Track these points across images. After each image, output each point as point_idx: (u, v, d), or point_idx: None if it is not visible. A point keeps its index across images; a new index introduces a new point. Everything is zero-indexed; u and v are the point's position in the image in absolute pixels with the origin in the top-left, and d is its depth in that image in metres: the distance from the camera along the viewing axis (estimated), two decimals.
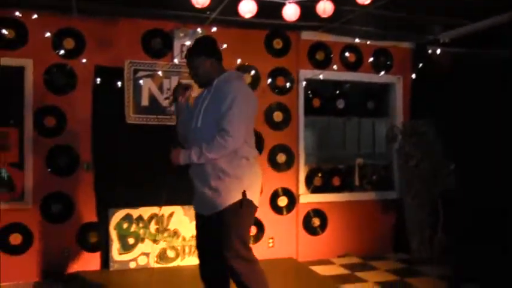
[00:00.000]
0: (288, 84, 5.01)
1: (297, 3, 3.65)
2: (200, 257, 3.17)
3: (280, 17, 3.87)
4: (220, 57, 3.13)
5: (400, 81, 5.42)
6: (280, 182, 4.99)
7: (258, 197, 3.06)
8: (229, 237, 2.90)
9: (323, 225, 5.11)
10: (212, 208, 2.94)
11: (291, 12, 3.69)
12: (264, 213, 4.90)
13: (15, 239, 4.30)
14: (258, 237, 4.89)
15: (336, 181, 5.28)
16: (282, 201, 5.00)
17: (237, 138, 2.86)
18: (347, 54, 5.20)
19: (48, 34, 4.35)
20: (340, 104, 5.34)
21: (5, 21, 4.25)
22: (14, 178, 4.31)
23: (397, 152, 5.30)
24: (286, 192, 5.01)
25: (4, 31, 4.23)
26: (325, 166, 5.32)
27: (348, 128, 5.65)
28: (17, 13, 4.25)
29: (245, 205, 2.94)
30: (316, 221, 5.08)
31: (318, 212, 5.09)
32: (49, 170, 4.34)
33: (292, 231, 5.02)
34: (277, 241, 4.97)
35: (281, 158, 5.00)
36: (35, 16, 4.29)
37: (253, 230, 4.87)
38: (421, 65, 5.31)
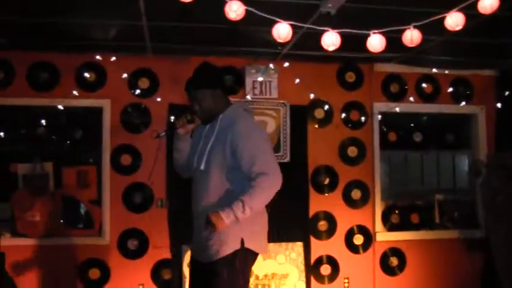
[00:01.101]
0: (362, 118, 5.02)
1: (381, 33, 3.60)
2: None
3: (353, 49, 3.91)
4: (225, 88, 3.01)
5: (482, 111, 5.26)
6: (356, 219, 4.95)
7: (261, 241, 2.90)
8: None
9: (401, 265, 4.99)
10: (206, 256, 2.79)
11: (376, 43, 3.63)
12: (338, 251, 4.89)
13: (94, 273, 4.56)
14: (332, 277, 4.86)
15: (415, 218, 5.16)
16: (358, 239, 4.96)
17: (278, 174, 2.76)
18: (423, 85, 5.13)
19: (125, 75, 4.66)
20: (418, 137, 5.25)
21: (87, 65, 4.59)
22: (92, 214, 4.62)
23: (481, 187, 5.15)
24: (362, 229, 4.96)
25: (86, 74, 4.58)
26: (403, 202, 5.20)
27: (426, 162, 5.54)
28: (97, 56, 4.59)
29: (241, 256, 2.77)
30: (394, 261, 4.99)
31: (395, 251, 4.99)
32: (125, 207, 4.61)
33: (368, 271, 4.94)
34: (352, 281, 4.90)
35: (356, 194, 4.99)
36: (113, 58, 4.62)
37: (327, 269, 4.89)
38: (507, 93, 5.17)
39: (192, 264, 3.02)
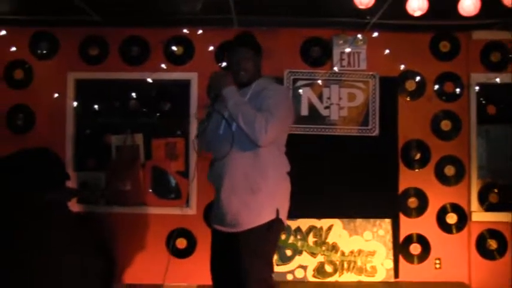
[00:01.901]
0: (457, 90, 4.81)
1: None
2: (215, 283, 2.97)
3: (447, 16, 3.77)
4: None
5: None
6: (449, 197, 4.77)
7: (287, 213, 2.91)
8: (256, 265, 2.71)
9: (502, 249, 4.72)
10: (237, 225, 2.77)
11: (469, 5, 3.48)
12: (430, 230, 4.74)
13: (181, 243, 4.79)
14: (423, 257, 4.73)
15: None
16: (451, 218, 4.77)
17: (270, 133, 2.68)
18: None
19: (211, 48, 4.82)
20: None
21: (175, 39, 4.78)
22: (180, 185, 4.84)
23: None
24: (456, 208, 4.77)
25: (174, 48, 4.78)
26: (503, 181, 4.93)
27: None
28: (185, 30, 4.77)
29: (276, 226, 2.77)
30: (492, 244, 4.74)
31: (494, 233, 4.73)
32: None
33: (463, 252, 4.74)
34: (444, 262, 4.74)
35: (449, 170, 4.80)
36: (200, 32, 4.77)
37: (417, 249, 4.79)
38: None
39: (215, 236, 2.97)
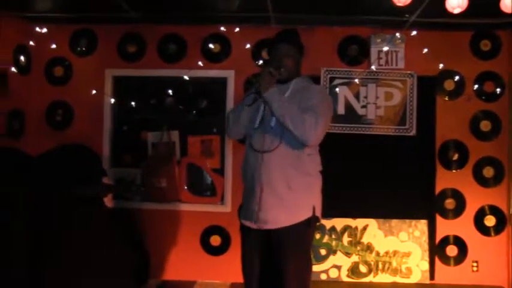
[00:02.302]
0: (497, 90, 4.76)
1: None
2: (248, 282, 2.93)
3: (489, 14, 3.73)
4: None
5: None
6: (487, 199, 4.73)
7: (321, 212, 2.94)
8: (296, 263, 2.73)
9: None
10: (273, 222, 2.77)
11: (510, 1, 3.44)
12: (467, 232, 4.71)
13: (215, 240, 4.86)
14: (459, 259, 4.71)
15: None
16: (489, 220, 4.74)
17: (320, 132, 2.75)
18: None
19: (248, 46, 4.86)
20: None
21: (212, 36, 4.84)
22: (215, 183, 4.91)
23: None
24: (495, 210, 4.73)
25: (211, 45, 4.84)
26: None
27: None
28: (222, 28, 4.82)
29: (313, 223, 2.80)
30: None
31: None
32: None
33: (501, 255, 4.70)
34: (482, 265, 4.71)
35: (488, 172, 4.76)
36: (237, 29, 4.82)
37: (454, 251, 4.76)
38: None
39: (247, 233, 2.95)
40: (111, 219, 3.90)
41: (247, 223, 2.91)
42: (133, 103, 4.98)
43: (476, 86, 4.78)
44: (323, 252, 4.71)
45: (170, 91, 4.98)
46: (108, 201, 3.93)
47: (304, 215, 2.82)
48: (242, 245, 3.01)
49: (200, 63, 4.84)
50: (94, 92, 4.90)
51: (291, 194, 2.80)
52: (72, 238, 3.29)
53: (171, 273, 4.84)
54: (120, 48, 4.91)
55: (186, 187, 4.85)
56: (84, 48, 4.92)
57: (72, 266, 3.22)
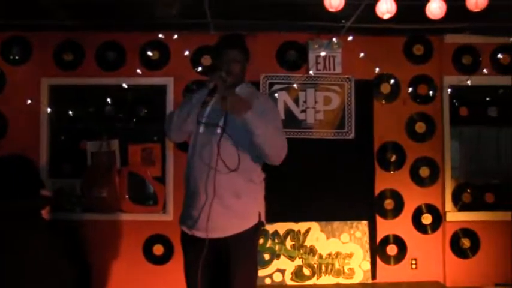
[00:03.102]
0: (430, 93, 4.99)
1: None
2: None
3: (421, 20, 3.93)
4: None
5: None
6: (424, 198, 4.95)
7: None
8: (246, 270, 2.82)
9: (475, 248, 4.93)
10: (221, 230, 2.79)
11: (435, 8, 3.62)
12: (406, 231, 4.92)
13: (158, 249, 4.85)
14: (399, 258, 4.90)
15: (489, 198, 5.07)
16: (426, 219, 4.95)
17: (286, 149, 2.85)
18: (500, 55, 5.01)
19: (187, 53, 4.92)
20: (492, 112, 5.14)
21: (151, 43, 4.87)
22: (157, 191, 4.91)
23: None
24: (431, 209, 4.95)
25: (149, 53, 4.86)
26: (476, 181, 5.14)
27: (503, 139, 5.40)
28: (160, 35, 4.85)
29: (259, 229, 2.90)
30: (466, 242, 4.94)
31: (468, 232, 4.94)
32: None
33: (438, 252, 4.93)
34: (421, 262, 4.92)
35: (424, 172, 4.98)
36: (176, 36, 4.86)
37: (394, 250, 4.95)
38: None
39: (192, 243, 2.89)
40: (50, 231, 3.84)
41: (194, 232, 2.86)
42: (71, 112, 4.96)
43: (410, 89, 5.00)
44: (267, 256, 4.80)
45: (109, 99, 4.98)
46: (46, 213, 3.88)
47: (251, 221, 2.88)
48: (185, 255, 2.97)
49: (139, 70, 4.86)
50: (29, 101, 4.83)
51: (239, 202, 2.83)
52: (7, 252, 3.24)
53: (114, 284, 4.82)
54: (56, 57, 4.88)
55: (127, 196, 4.84)
56: (17, 57, 4.85)
57: (8, 280, 3.17)
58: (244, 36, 3.17)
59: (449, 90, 5.02)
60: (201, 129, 2.86)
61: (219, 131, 2.77)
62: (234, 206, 2.81)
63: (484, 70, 5.01)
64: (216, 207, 2.76)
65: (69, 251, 4.58)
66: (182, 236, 3.01)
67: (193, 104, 2.79)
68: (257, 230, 2.91)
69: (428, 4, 3.66)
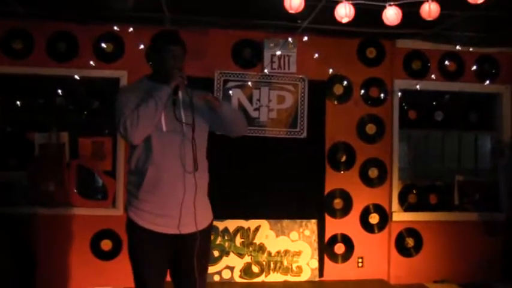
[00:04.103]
0: (382, 95, 5.19)
1: (397, 5, 3.74)
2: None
3: (374, 24, 4.05)
4: None
5: (508, 91, 5.38)
6: (372, 198, 5.16)
7: None
8: (205, 265, 3.02)
9: (418, 246, 5.18)
10: (191, 226, 2.87)
11: (391, 14, 3.75)
12: (353, 230, 5.11)
13: (106, 244, 4.84)
14: (346, 256, 5.09)
15: (433, 199, 5.33)
16: (373, 218, 5.16)
17: None
18: (447, 62, 5.27)
19: (142, 46, 4.89)
20: (439, 116, 5.40)
21: (105, 36, 4.84)
22: (107, 186, 4.89)
23: (504, 169, 5.32)
24: (378, 209, 5.16)
25: (103, 45, 4.84)
26: (421, 182, 5.39)
27: (448, 142, 5.67)
28: (115, 27, 4.83)
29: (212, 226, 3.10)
30: (410, 242, 5.18)
31: (412, 232, 5.18)
32: None
33: (383, 251, 5.16)
34: (367, 261, 5.13)
35: (373, 172, 5.17)
36: (131, 29, 4.85)
37: (341, 248, 5.12)
38: None
39: (158, 240, 2.88)
40: None
41: (163, 229, 2.86)
42: (19, 103, 4.86)
43: (362, 91, 5.17)
44: (216, 253, 4.87)
45: (60, 91, 4.92)
46: None
47: (210, 217, 3.05)
48: (143, 250, 2.90)
49: (92, 62, 4.82)
50: None
51: (204, 198, 2.98)
52: None
53: (61, 282, 4.77)
54: (5, 45, 4.77)
55: (76, 190, 4.79)
56: None
57: None
58: (178, 31, 3.12)
59: (399, 93, 5.22)
60: (164, 128, 2.87)
61: (185, 129, 2.86)
62: (202, 202, 2.95)
63: (432, 76, 5.25)
64: (189, 204, 2.83)
65: (13, 247, 4.53)
66: (136, 230, 2.92)
67: (158, 101, 2.78)
68: (212, 227, 3.08)
69: (385, 10, 3.79)
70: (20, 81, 4.89)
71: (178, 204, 2.84)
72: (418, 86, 5.18)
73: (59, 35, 4.81)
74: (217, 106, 2.90)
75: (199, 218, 2.89)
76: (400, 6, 3.69)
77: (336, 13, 3.83)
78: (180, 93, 2.86)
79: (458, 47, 5.23)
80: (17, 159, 4.90)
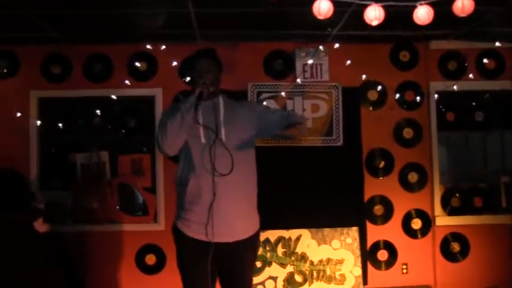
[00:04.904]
0: (417, 99, 5.13)
1: (429, 4, 3.69)
2: None
3: (407, 27, 4.01)
4: None
5: None
6: (413, 203, 5.09)
7: None
8: (251, 273, 3.12)
9: (464, 251, 5.07)
10: (234, 235, 2.98)
11: (423, 14, 3.71)
12: (396, 236, 5.06)
13: (150, 259, 4.96)
14: (390, 263, 5.04)
15: (478, 202, 5.20)
16: (416, 223, 5.09)
17: None
18: (485, 60, 5.16)
19: (175, 63, 5.01)
20: (479, 116, 5.28)
21: (138, 54, 4.99)
22: (147, 201, 5.01)
23: None
24: (420, 214, 5.09)
25: (137, 64, 4.98)
26: (464, 185, 5.29)
27: (489, 143, 5.56)
28: (148, 46, 4.97)
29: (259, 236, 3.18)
30: (455, 246, 5.08)
31: (457, 236, 5.08)
32: None
33: (428, 256, 5.07)
34: (411, 267, 5.05)
35: (413, 177, 5.11)
36: (163, 47, 4.99)
37: (384, 255, 5.06)
38: None
39: (199, 246, 3.00)
40: (42, 243, 3.92)
41: (201, 236, 2.98)
42: (60, 125, 5.05)
43: (397, 96, 5.13)
44: (258, 264, 4.90)
45: (98, 111, 5.09)
46: (39, 225, 3.96)
47: (256, 226, 3.13)
48: (190, 259, 3.06)
49: (127, 82, 4.95)
50: (19, 114, 4.91)
51: (250, 207, 3.09)
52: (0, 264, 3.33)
53: None
54: (44, 69, 4.98)
55: (118, 207, 4.92)
56: (5, 70, 4.94)
57: None
58: (215, 49, 3.28)
59: (435, 95, 5.16)
60: (203, 140, 3.01)
61: (211, 134, 2.99)
62: (247, 211, 3.05)
63: (470, 75, 5.15)
64: (230, 212, 2.96)
65: (61, 263, 4.67)
66: (181, 238, 3.13)
67: (183, 111, 2.91)
68: (259, 235, 3.16)
69: (416, 10, 3.74)
70: (59, 104, 5.09)
71: (209, 212, 2.95)
72: (455, 87, 5.09)
73: (93, 56, 4.99)
74: (303, 121, 3.00)
75: (238, 226, 2.98)
76: (431, 4, 3.63)
77: (365, 16, 3.80)
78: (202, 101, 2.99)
79: (497, 44, 5.10)
80: (60, 180, 5.09)
